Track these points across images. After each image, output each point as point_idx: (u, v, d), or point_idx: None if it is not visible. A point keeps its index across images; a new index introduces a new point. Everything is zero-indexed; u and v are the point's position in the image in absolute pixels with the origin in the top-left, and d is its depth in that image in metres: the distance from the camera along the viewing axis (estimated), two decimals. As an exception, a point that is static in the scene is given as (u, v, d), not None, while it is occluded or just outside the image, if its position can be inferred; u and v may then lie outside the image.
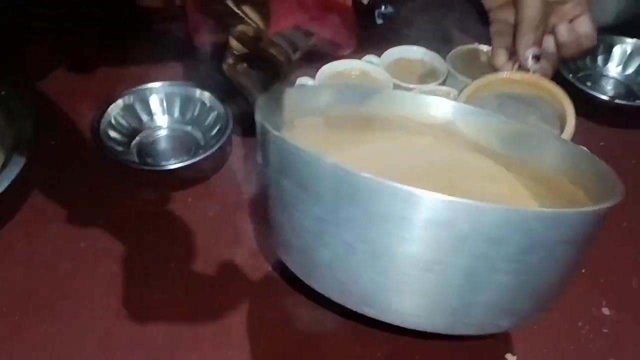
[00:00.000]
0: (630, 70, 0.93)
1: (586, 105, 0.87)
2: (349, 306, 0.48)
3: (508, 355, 0.59)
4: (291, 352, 0.59)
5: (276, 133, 0.47)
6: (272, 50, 0.90)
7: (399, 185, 0.40)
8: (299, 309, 0.62)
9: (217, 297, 0.63)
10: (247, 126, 0.82)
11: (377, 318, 0.48)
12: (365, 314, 0.48)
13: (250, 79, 0.87)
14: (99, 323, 0.60)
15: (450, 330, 0.48)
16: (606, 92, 0.89)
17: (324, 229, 0.45)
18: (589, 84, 0.90)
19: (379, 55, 0.82)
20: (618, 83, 0.93)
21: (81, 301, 0.62)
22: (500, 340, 0.60)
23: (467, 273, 0.43)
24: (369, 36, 1.00)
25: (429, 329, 0.47)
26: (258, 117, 0.51)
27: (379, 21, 1.03)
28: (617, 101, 0.83)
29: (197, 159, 0.72)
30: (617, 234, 0.72)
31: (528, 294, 0.46)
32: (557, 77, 0.89)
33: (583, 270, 0.67)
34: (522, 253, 0.42)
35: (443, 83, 0.79)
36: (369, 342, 0.59)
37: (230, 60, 0.85)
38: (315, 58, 0.83)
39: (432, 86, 0.77)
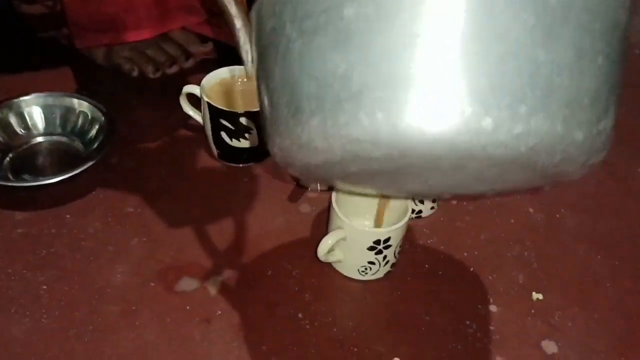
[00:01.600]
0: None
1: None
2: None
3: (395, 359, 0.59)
4: None
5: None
6: (126, 65, 0.87)
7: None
8: (186, 327, 0.59)
9: (90, 322, 0.59)
10: (133, 136, 0.79)
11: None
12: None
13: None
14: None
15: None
16: None
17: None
18: None
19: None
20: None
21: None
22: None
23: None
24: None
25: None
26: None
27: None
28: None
29: (76, 171, 0.68)
30: (502, 234, 0.73)
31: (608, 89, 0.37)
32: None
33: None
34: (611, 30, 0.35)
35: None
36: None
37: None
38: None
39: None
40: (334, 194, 0.63)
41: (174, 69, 0.90)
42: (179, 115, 0.80)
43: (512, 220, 0.74)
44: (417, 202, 0.71)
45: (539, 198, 0.78)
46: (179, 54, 0.91)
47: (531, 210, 0.76)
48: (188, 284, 0.63)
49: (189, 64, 0.91)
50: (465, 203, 0.76)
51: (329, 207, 0.68)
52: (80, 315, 0.59)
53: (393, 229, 0.61)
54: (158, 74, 0.89)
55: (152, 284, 0.63)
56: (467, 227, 0.73)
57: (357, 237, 0.62)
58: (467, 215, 0.74)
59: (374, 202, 0.64)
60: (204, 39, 0.95)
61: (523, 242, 0.72)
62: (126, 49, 0.88)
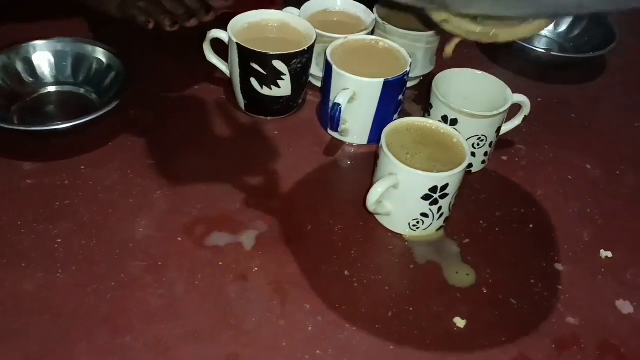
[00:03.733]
0: (562, 27, 0.89)
1: (522, 61, 0.83)
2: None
3: (457, 320, 0.52)
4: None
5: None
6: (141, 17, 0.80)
7: None
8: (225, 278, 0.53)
9: (111, 278, 0.52)
10: (152, 87, 0.72)
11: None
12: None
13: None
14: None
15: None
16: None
17: None
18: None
19: (299, 8, 0.74)
20: (551, 41, 0.89)
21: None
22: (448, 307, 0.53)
23: None
24: None
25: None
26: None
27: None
28: (553, 53, 0.79)
29: (91, 117, 0.61)
30: (560, 190, 0.66)
31: None
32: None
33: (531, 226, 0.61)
34: None
35: (371, 33, 0.72)
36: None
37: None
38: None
39: (359, 35, 0.69)
40: (384, 137, 0.57)
41: (192, 23, 0.83)
42: (201, 67, 0.74)
43: (569, 177, 0.68)
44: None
45: (597, 153, 0.71)
46: (198, 6, 0.84)
47: (588, 166, 0.70)
48: (220, 239, 0.56)
49: (210, 17, 0.84)
50: (517, 158, 0.69)
51: (374, 160, 0.61)
52: (100, 271, 0.53)
53: (452, 174, 0.54)
54: (175, 27, 0.82)
55: (180, 239, 0.56)
56: (522, 183, 0.66)
57: (412, 183, 0.55)
58: (520, 170, 0.68)
59: (426, 145, 0.58)
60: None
61: (584, 198, 0.65)
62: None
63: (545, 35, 0.90)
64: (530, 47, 0.80)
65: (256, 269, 0.54)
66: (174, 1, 0.84)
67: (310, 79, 0.76)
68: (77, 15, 0.81)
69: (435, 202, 0.56)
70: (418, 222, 0.57)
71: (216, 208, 0.59)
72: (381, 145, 0.56)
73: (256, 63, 0.65)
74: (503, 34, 0.57)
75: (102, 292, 0.51)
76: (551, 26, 0.90)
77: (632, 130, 0.76)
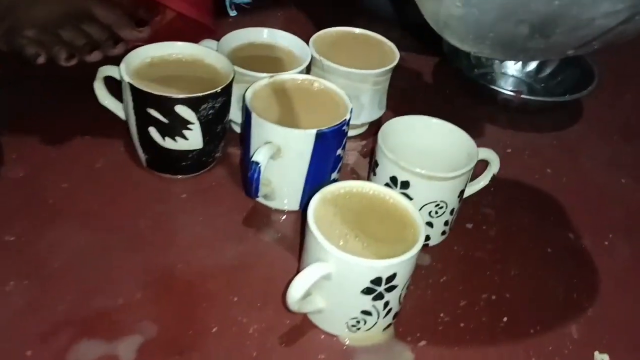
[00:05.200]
0: (531, 66, 0.78)
1: (487, 106, 0.71)
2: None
3: None
4: None
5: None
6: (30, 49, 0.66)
7: None
8: None
9: None
10: (29, 138, 0.57)
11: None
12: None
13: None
14: None
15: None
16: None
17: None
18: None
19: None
20: (518, 81, 0.78)
21: None
22: None
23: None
24: (219, 27, 0.80)
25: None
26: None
27: (233, 13, 0.82)
28: (523, 96, 0.67)
29: None
30: (539, 267, 0.54)
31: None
32: (459, 76, 0.73)
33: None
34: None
35: (306, 71, 0.59)
36: None
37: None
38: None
39: (289, 74, 0.56)
40: (311, 209, 0.43)
41: (95, 57, 0.69)
42: (94, 111, 0.59)
43: (549, 249, 0.55)
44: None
45: (580, 218, 0.59)
46: (104, 37, 0.70)
47: (571, 235, 0.57)
48: (88, 350, 0.41)
49: (118, 50, 0.70)
50: (484, 226, 0.56)
51: (301, 233, 0.47)
52: None
53: (401, 261, 0.41)
54: (73, 62, 0.68)
55: (29, 353, 0.41)
56: (491, 259, 0.53)
57: (349, 274, 0.41)
58: (489, 242, 0.55)
59: (364, 225, 0.44)
60: (139, 22, 0.74)
61: (568, 278, 0.52)
62: (31, 27, 0.67)
63: (512, 75, 0.78)
64: (497, 89, 0.68)
65: (135, 395, 0.39)
66: (73, 30, 0.69)
67: (234, 126, 0.62)
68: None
69: (379, 297, 0.42)
70: (359, 322, 0.43)
71: (91, 304, 0.44)
72: (307, 222, 0.42)
73: (155, 109, 0.50)
74: None
75: None
76: (519, 64, 0.78)
77: (619, 189, 0.64)
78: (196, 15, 0.74)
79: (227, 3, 0.82)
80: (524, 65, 0.78)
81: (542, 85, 0.76)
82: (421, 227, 0.43)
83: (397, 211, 0.45)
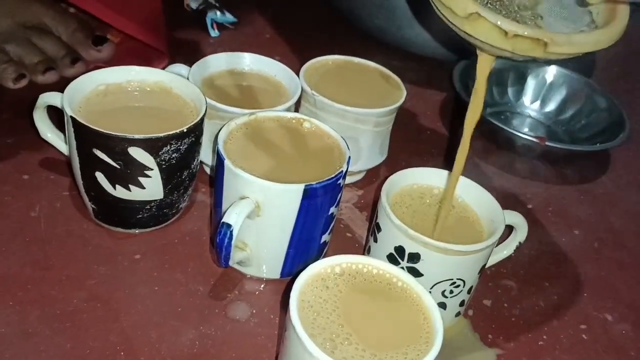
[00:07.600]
0: (550, 106, 0.69)
1: (506, 150, 0.62)
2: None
3: None
4: None
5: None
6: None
7: None
8: None
9: None
10: None
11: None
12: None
13: None
14: None
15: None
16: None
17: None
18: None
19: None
20: (536, 123, 0.68)
21: None
22: None
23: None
24: (196, 50, 0.70)
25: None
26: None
27: (214, 33, 0.73)
28: (549, 143, 0.57)
29: None
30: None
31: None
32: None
33: None
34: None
35: (295, 107, 0.49)
36: None
37: None
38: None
39: (274, 111, 0.46)
40: (294, 298, 0.33)
41: (50, 78, 0.58)
42: (37, 145, 0.49)
43: (584, 336, 0.45)
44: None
45: (619, 296, 0.49)
46: (61, 54, 0.60)
47: (609, 317, 0.47)
48: None
49: (75, 70, 0.60)
50: (506, 304, 0.46)
51: (282, 309, 0.37)
52: None
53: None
54: (23, 83, 0.57)
55: None
56: (514, 348, 0.43)
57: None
58: (511, 326, 0.45)
59: (356, 324, 0.34)
60: (98, 39, 0.63)
61: None
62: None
63: (528, 115, 0.69)
64: (517, 133, 0.58)
65: None
66: (24, 46, 0.60)
67: (205, 168, 0.52)
68: None
69: (381, 417, 0.31)
70: None
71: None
72: (289, 318, 0.32)
73: (103, 151, 0.40)
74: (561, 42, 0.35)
75: None
76: (537, 104, 0.69)
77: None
78: (147, 39, 0.62)
79: (209, 21, 0.72)
80: (542, 104, 0.69)
81: (564, 128, 0.67)
82: (437, 319, 0.33)
83: (404, 295, 0.35)
